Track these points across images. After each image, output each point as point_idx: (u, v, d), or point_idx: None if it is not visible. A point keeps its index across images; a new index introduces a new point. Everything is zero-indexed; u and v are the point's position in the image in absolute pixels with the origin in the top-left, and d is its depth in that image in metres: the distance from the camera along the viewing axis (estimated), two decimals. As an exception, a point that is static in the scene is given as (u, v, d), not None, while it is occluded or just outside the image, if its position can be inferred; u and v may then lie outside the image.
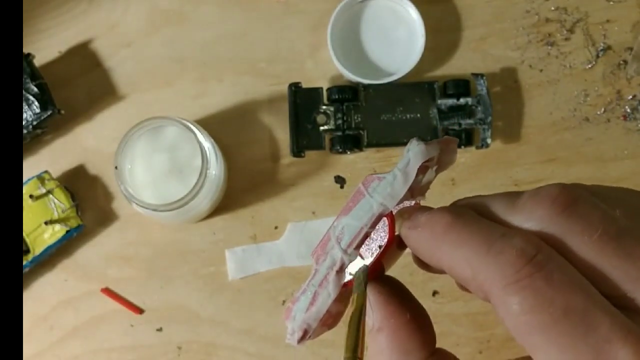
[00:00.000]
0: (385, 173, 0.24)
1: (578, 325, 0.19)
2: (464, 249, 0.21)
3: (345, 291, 0.24)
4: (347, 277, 0.24)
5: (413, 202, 0.25)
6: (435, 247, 0.22)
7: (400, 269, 0.27)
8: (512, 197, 0.22)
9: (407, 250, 0.25)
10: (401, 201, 0.23)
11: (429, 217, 0.23)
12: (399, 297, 0.24)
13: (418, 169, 0.23)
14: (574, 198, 0.21)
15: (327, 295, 0.24)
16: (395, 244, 0.24)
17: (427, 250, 0.23)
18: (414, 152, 0.23)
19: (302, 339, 0.24)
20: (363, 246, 0.24)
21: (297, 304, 0.25)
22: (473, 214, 0.22)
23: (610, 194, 0.23)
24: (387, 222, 0.24)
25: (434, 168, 0.25)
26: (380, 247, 0.24)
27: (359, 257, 0.24)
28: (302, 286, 0.25)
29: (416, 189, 0.25)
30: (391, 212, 0.24)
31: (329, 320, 0.25)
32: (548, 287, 0.19)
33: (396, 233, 0.24)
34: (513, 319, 0.19)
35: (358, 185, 0.24)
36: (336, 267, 0.24)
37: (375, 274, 0.25)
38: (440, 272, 0.23)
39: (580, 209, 0.21)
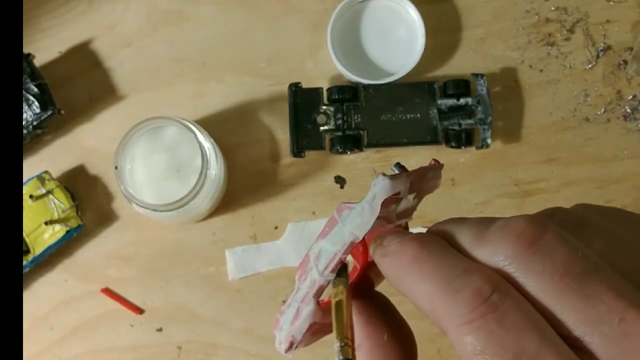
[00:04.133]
0: (356, 203, 0.24)
1: None
2: (425, 283, 0.21)
3: (330, 305, 0.25)
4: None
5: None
6: (401, 278, 0.22)
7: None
8: (483, 226, 0.22)
9: None
10: (373, 228, 0.24)
11: (397, 247, 0.23)
12: (380, 317, 0.25)
13: (389, 201, 0.24)
14: (540, 233, 0.20)
15: (309, 312, 0.25)
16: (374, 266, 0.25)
17: (395, 279, 0.23)
18: (378, 188, 0.23)
19: (288, 349, 0.25)
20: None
21: (284, 315, 0.25)
22: (441, 245, 0.22)
23: (593, 222, 0.22)
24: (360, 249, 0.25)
25: (412, 196, 0.25)
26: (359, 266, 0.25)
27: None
28: (288, 299, 0.25)
29: (392, 216, 0.25)
30: (363, 239, 0.24)
31: (324, 328, 0.25)
32: (500, 329, 0.19)
33: (369, 259, 0.25)
34: (468, 358, 0.19)
35: (333, 212, 0.25)
36: (315, 288, 0.24)
37: (358, 289, 0.25)
38: None
39: (545, 247, 0.20)
